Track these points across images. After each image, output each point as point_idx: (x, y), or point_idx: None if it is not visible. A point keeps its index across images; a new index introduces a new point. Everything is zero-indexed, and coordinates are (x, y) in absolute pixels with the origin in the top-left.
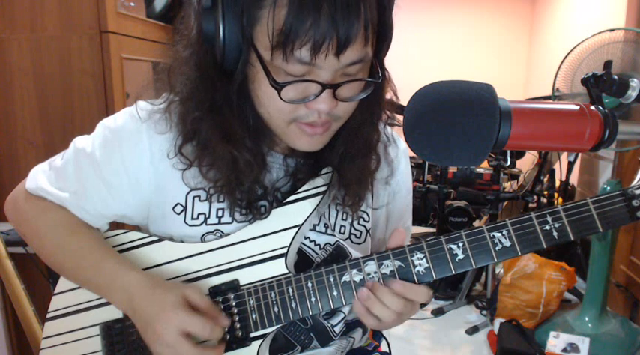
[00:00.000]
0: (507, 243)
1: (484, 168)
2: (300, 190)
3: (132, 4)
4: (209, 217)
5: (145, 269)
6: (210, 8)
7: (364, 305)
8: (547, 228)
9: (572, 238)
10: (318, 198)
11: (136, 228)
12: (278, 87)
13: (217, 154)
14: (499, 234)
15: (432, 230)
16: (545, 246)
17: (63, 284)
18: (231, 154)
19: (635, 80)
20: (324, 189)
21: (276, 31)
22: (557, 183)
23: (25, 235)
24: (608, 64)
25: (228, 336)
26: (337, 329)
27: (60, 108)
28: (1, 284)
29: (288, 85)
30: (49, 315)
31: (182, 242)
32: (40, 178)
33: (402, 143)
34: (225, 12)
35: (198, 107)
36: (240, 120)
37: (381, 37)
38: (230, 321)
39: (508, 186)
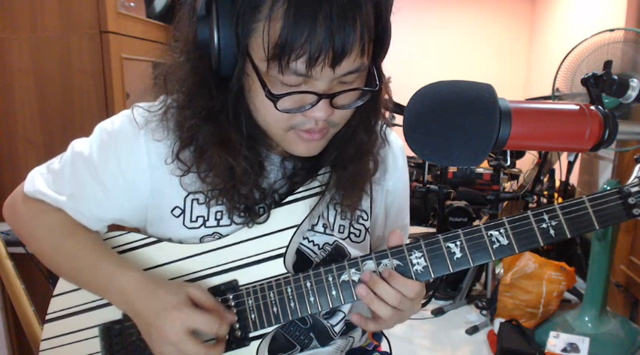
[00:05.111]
0: (505, 241)
1: (484, 168)
2: (298, 191)
3: (132, 4)
4: (208, 220)
5: (145, 270)
6: (204, 17)
7: (364, 302)
8: (544, 226)
9: (568, 236)
10: (316, 198)
11: (135, 229)
12: (274, 98)
13: (214, 161)
14: (496, 233)
15: (432, 230)
16: (542, 244)
17: (62, 286)
18: (227, 162)
19: (635, 80)
20: (321, 189)
21: (272, 44)
22: (557, 183)
23: (23, 238)
24: (608, 64)
25: (227, 336)
26: (337, 328)
27: (60, 108)
28: (1, 284)
29: (285, 96)
30: (48, 317)
31: (181, 243)
32: (37, 181)
33: (399, 141)
34: (220, 22)
35: (195, 114)
36: (237, 128)
37: (379, 44)
38: (236, 317)
39: (508, 186)
